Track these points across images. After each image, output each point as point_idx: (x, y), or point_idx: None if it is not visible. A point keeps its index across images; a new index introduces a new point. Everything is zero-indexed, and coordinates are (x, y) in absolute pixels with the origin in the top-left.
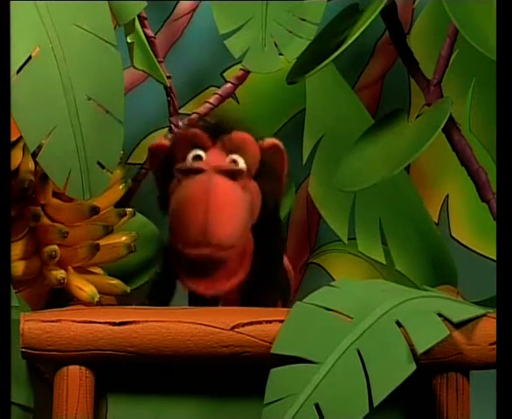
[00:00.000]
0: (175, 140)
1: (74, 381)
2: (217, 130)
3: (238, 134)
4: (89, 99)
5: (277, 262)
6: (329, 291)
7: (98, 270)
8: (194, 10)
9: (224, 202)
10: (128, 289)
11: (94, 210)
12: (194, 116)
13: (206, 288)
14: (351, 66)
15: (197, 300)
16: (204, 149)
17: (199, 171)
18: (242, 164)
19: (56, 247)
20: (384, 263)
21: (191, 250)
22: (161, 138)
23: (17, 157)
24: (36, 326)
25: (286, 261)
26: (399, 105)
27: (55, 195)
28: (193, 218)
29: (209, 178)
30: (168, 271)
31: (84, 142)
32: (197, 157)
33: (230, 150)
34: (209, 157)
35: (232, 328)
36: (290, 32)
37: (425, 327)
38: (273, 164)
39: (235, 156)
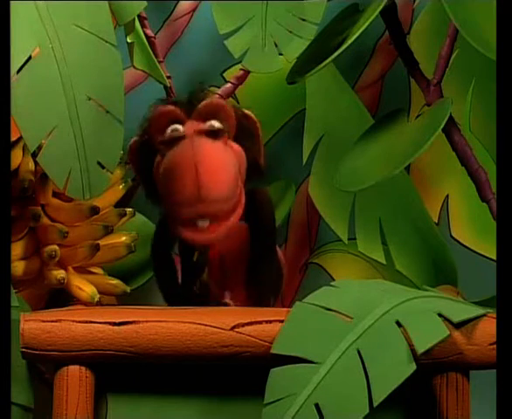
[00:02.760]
0: (150, 123)
1: (74, 381)
2: (190, 105)
3: (212, 101)
4: (89, 99)
5: (269, 242)
6: (329, 291)
7: (98, 270)
8: (194, 10)
9: (210, 159)
10: (128, 289)
11: (94, 210)
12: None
13: (204, 237)
14: (351, 66)
15: (192, 300)
16: (181, 122)
17: (181, 138)
18: (219, 126)
19: (56, 247)
20: (384, 263)
21: (188, 209)
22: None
23: (17, 157)
24: (36, 326)
25: (279, 252)
26: (399, 105)
27: (55, 195)
28: (184, 181)
29: (191, 141)
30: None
31: (84, 142)
32: (176, 130)
33: (206, 117)
34: (187, 127)
35: (232, 328)
36: (290, 32)
37: (425, 327)
38: (248, 127)
39: (212, 122)
